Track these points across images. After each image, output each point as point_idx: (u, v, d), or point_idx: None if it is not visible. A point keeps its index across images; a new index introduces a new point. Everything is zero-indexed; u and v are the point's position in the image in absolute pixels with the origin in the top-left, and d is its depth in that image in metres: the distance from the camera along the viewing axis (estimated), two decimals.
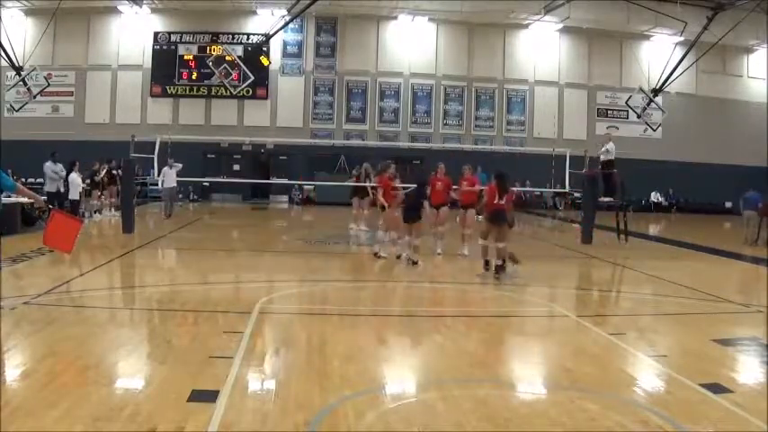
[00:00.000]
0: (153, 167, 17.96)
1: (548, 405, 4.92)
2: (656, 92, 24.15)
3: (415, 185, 12.10)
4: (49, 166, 16.40)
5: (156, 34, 30.05)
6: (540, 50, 31.86)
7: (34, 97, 23.73)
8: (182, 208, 23.04)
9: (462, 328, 7.26)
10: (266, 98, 30.42)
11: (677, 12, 24.45)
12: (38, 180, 18.99)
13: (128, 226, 15.48)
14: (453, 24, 31.21)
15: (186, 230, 17.01)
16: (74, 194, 15.91)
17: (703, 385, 5.17)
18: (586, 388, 5.18)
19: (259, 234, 18.01)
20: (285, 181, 28.50)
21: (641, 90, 24.24)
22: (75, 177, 15.90)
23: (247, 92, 29.13)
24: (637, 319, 8.09)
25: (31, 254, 11.03)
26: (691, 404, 4.84)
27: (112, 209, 19.96)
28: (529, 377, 5.67)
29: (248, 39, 29.42)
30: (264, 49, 24.13)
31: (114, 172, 19.76)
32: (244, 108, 30.48)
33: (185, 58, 30.09)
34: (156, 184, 26.00)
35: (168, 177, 19.43)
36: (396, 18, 30.93)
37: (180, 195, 23.11)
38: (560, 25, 30.69)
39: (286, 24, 23.65)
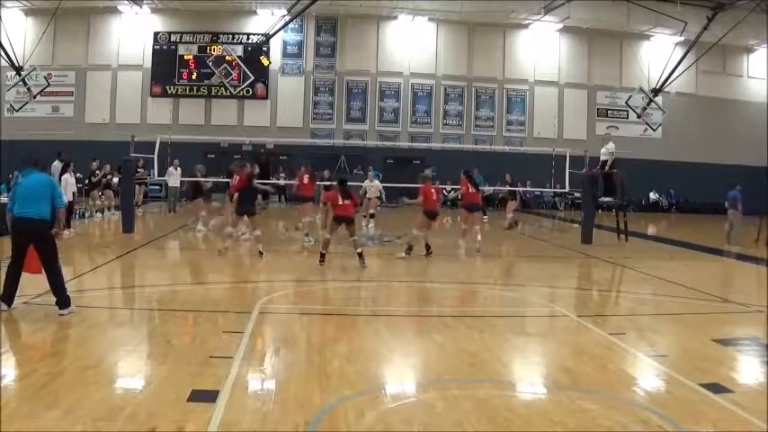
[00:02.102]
0: (153, 167, 18.00)
1: (548, 405, 4.92)
2: (656, 92, 24.13)
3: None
4: (56, 166, 16.31)
5: (156, 34, 30.06)
6: (540, 50, 31.86)
7: (34, 97, 23.71)
8: (182, 207, 23.07)
9: (462, 328, 7.25)
10: (266, 98, 30.43)
11: (677, 12, 24.47)
12: None
13: (127, 226, 15.48)
14: (453, 24, 31.21)
15: (186, 230, 17.00)
16: (67, 197, 15.61)
17: (703, 385, 5.18)
18: (586, 388, 5.18)
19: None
20: (285, 181, 28.48)
21: (641, 90, 24.22)
22: (67, 178, 15.69)
23: (247, 92, 29.15)
24: (637, 319, 8.09)
25: None
26: (691, 404, 4.84)
27: (112, 209, 19.97)
28: (529, 377, 5.67)
29: (248, 39, 29.40)
30: (264, 49, 24.12)
31: (109, 176, 19.73)
32: (244, 108, 30.49)
33: (185, 58, 30.09)
34: (157, 185, 26.14)
35: (172, 177, 20.75)
36: (396, 18, 30.93)
37: (184, 199, 23.42)
38: (560, 25, 30.69)
39: (286, 24, 23.65)
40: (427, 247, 12.62)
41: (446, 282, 10.69)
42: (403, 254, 12.42)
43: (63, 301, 6.91)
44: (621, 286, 11.27)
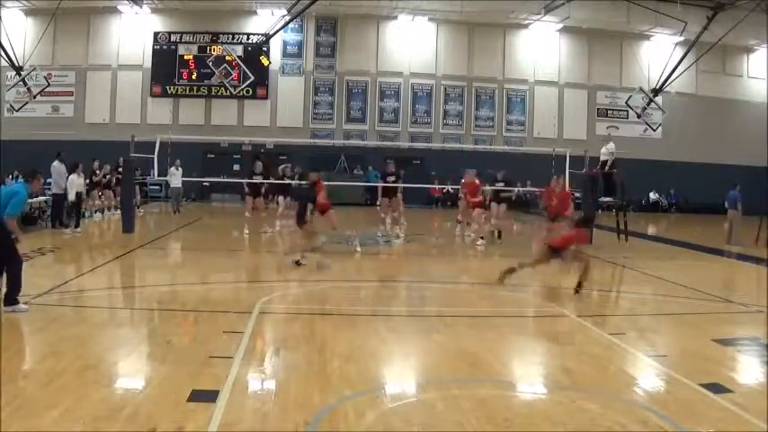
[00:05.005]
0: (153, 167, 17.98)
1: (548, 405, 4.92)
2: (656, 92, 24.16)
3: None
4: (56, 166, 16.29)
5: (156, 34, 30.03)
6: (540, 50, 31.83)
7: (34, 97, 23.72)
8: (183, 207, 23.08)
9: (462, 328, 7.25)
10: (266, 98, 30.42)
11: (677, 12, 24.46)
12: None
13: (128, 226, 15.48)
14: (453, 24, 31.19)
15: (186, 230, 17.01)
16: (71, 196, 15.67)
17: (703, 385, 5.17)
18: (586, 388, 5.18)
19: (258, 234, 17.97)
20: (285, 181, 28.45)
21: (641, 90, 24.25)
22: (74, 178, 15.67)
23: (247, 92, 29.15)
24: (637, 319, 8.09)
25: (32, 254, 11.02)
26: (691, 404, 4.84)
27: (113, 209, 19.96)
28: (529, 377, 5.67)
29: (248, 39, 29.37)
30: (264, 49, 24.13)
31: (109, 176, 19.71)
32: (244, 108, 30.48)
33: (185, 58, 30.05)
34: (157, 185, 26.13)
35: (174, 178, 20.81)
36: (396, 18, 30.90)
37: (185, 199, 23.44)
38: (560, 25, 30.67)
39: (286, 24, 23.66)
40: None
41: (446, 282, 10.69)
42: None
43: (9, 300, 6.99)
44: (621, 286, 11.28)
